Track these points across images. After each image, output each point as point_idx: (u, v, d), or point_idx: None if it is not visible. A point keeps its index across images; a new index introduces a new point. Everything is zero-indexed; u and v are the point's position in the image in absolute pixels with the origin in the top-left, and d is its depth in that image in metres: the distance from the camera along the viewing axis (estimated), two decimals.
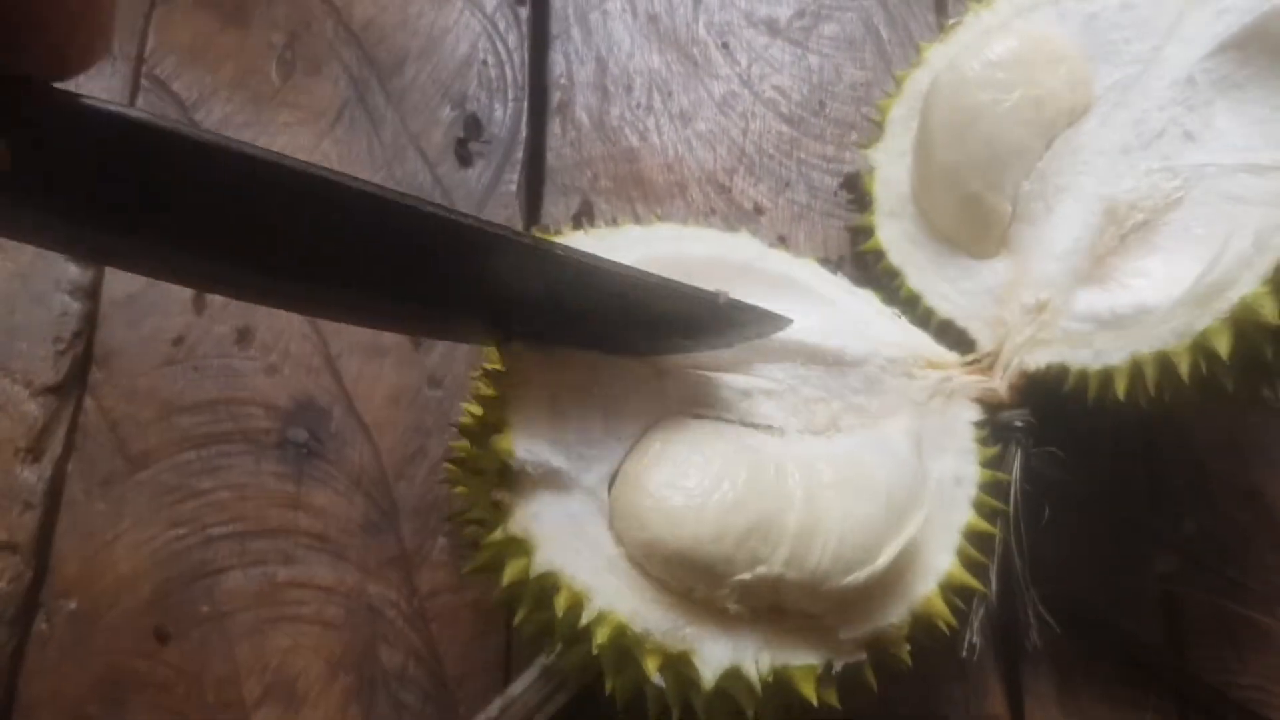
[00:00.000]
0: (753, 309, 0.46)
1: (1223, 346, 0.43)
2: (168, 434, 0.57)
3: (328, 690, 0.52)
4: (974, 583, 0.47)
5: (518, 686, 0.49)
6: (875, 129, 0.59)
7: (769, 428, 0.48)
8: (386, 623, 0.54)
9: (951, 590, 0.46)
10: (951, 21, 0.58)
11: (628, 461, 0.45)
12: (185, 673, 0.52)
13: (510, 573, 0.43)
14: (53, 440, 0.57)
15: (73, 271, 0.60)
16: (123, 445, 0.57)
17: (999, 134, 0.52)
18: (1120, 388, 0.47)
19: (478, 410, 0.46)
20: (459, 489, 0.48)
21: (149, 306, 0.59)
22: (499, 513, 0.43)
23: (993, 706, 0.53)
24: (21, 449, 0.56)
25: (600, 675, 0.44)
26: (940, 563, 0.46)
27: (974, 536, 0.48)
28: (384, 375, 0.59)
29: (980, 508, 0.48)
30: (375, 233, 0.37)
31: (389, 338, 0.59)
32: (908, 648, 0.45)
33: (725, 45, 0.68)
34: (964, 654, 0.48)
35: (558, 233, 0.51)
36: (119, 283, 0.60)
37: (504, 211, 0.63)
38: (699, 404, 0.47)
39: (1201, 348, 0.44)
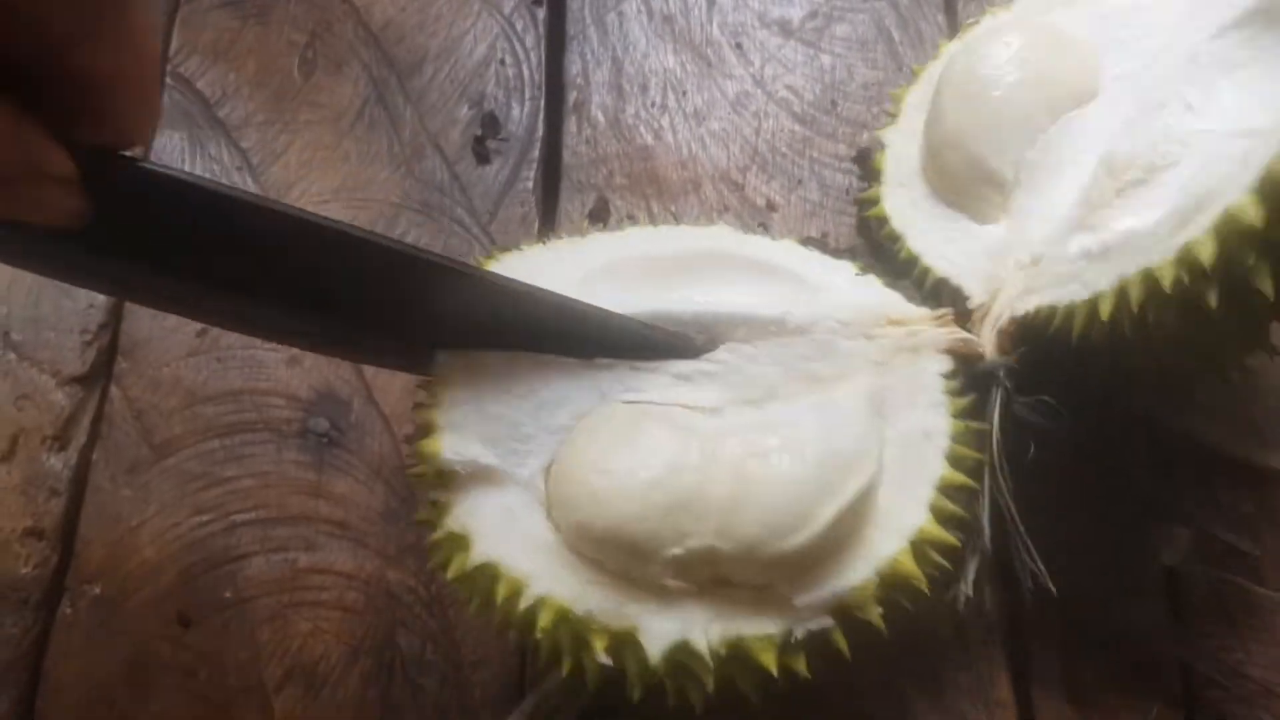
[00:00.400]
0: (678, 335, 0.48)
1: (1206, 256, 0.43)
2: (192, 423, 0.58)
3: (347, 674, 0.53)
4: (949, 538, 0.46)
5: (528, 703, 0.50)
6: (889, 118, 0.60)
7: (704, 408, 0.47)
8: (405, 608, 0.54)
9: (928, 546, 0.45)
10: (969, 21, 0.60)
11: (560, 451, 0.46)
12: (208, 656, 0.53)
13: (454, 568, 0.44)
14: (79, 429, 0.58)
15: None
16: (147, 434, 0.58)
17: (1006, 101, 0.54)
18: (1104, 311, 0.47)
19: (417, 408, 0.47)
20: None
21: None
22: (438, 511, 0.44)
23: (999, 693, 0.53)
24: (48, 437, 0.57)
25: (614, 682, 0.44)
26: (910, 519, 0.45)
27: (951, 490, 0.47)
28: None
29: (957, 460, 0.47)
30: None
31: None
32: (879, 610, 0.44)
33: (739, 46, 0.69)
34: (956, 604, 0.47)
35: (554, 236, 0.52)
36: None
37: (520, 208, 0.64)
38: (633, 391, 0.47)
39: (1185, 261, 0.44)
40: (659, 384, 0.48)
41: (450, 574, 0.44)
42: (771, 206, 0.64)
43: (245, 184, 0.63)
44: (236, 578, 0.55)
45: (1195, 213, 0.45)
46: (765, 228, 0.63)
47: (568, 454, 0.45)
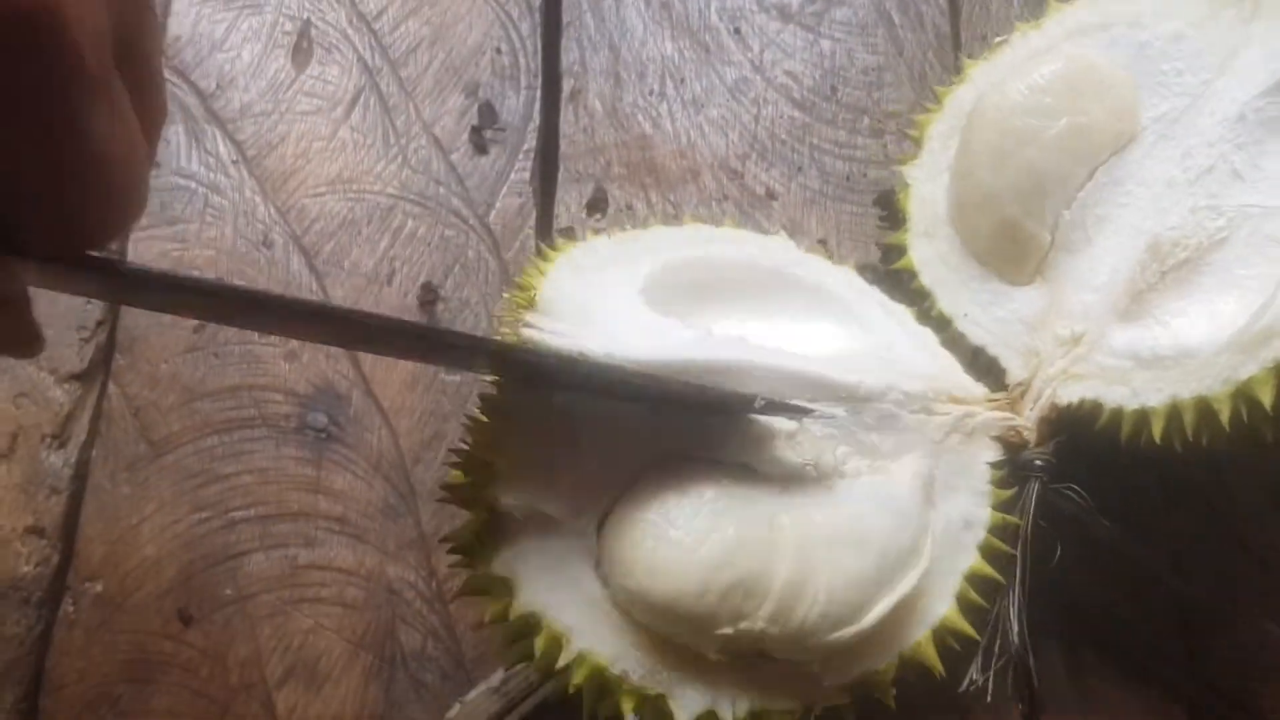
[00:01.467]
0: (781, 406, 0.46)
1: (1266, 396, 0.43)
2: (190, 419, 0.58)
3: (348, 670, 0.53)
4: (969, 629, 0.46)
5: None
6: (912, 144, 0.58)
7: (767, 475, 0.46)
8: (405, 604, 0.54)
9: (949, 634, 0.46)
10: (998, 40, 0.57)
11: (618, 506, 0.45)
12: (209, 653, 0.54)
13: (492, 611, 0.44)
14: (78, 426, 0.58)
15: None
16: (146, 431, 0.58)
17: (1042, 161, 0.51)
18: (1156, 430, 0.46)
19: (473, 434, 0.46)
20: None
21: None
22: (485, 548, 0.44)
23: None
24: (48, 435, 0.57)
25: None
26: (937, 609, 0.46)
27: (977, 580, 0.47)
28: (401, 361, 0.59)
29: (987, 551, 0.48)
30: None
31: None
32: (893, 691, 0.45)
33: (737, 31, 0.68)
34: (961, 689, 0.48)
35: (566, 233, 0.51)
36: None
37: (518, 199, 0.63)
38: (696, 445, 0.46)
39: (1244, 395, 0.44)
40: (721, 440, 0.46)
41: (489, 616, 0.44)
42: (771, 194, 0.64)
43: (242, 177, 0.63)
44: (237, 575, 0.55)
45: (1258, 346, 0.44)
46: (778, 227, 0.63)
47: (626, 513, 0.45)
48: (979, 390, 0.51)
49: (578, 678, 0.43)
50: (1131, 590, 0.54)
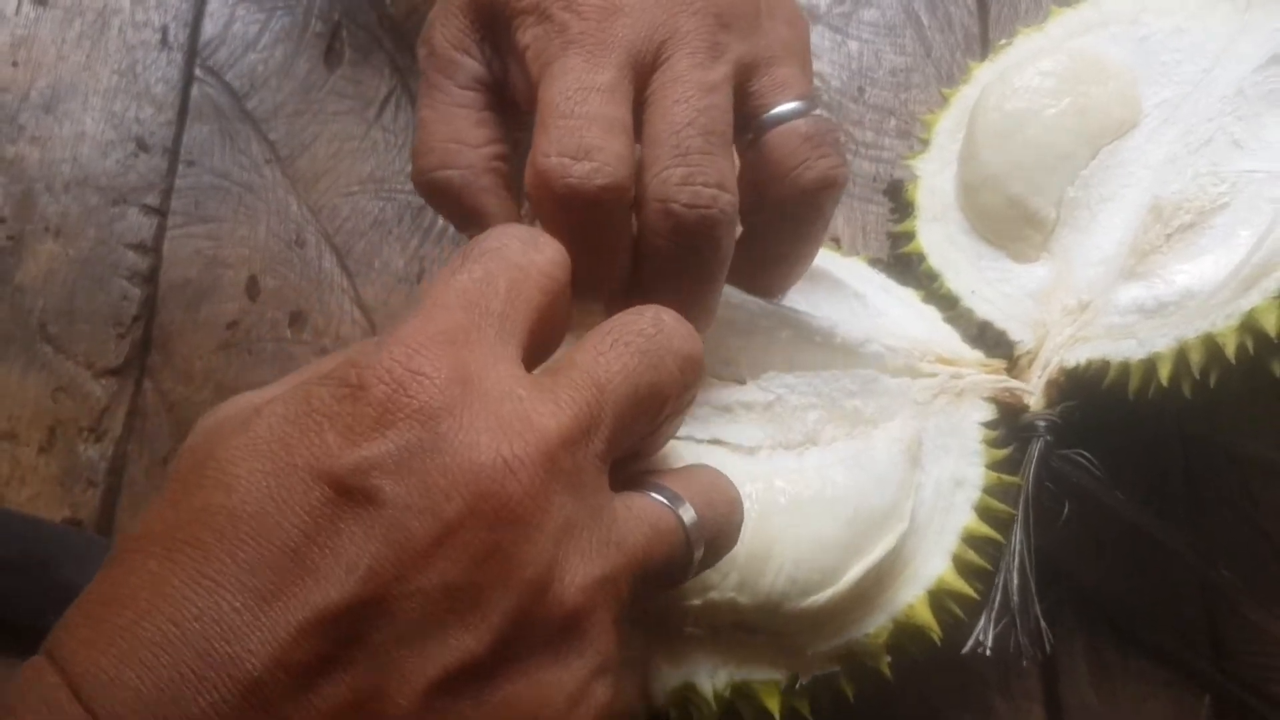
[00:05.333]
0: None
1: (1271, 325, 0.43)
2: None
3: None
4: (968, 590, 0.45)
5: None
6: (920, 143, 0.59)
7: (739, 446, 0.46)
8: None
9: (946, 596, 0.45)
10: (1002, 42, 0.58)
11: None
12: None
13: None
14: (114, 421, 0.59)
15: (131, 258, 0.62)
16: (180, 426, 0.59)
17: (1044, 139, 0.52)
18: (1164, 373, 0.46)
19: None
20: None
21: (205, 292, 0.61)
22: None
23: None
24: (85, 429, 0.58)
25: None
26: (931, 569, 0.45)
27: (976, 541, 0.46)
28: None
29: (984, 511, 0.47)
30: None
31: None
32: (887, 659, 0.44)
33: None
34: (964, 650, 0.47)
35: None
36: (176, 269, 0.62)
37: None
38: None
39: (1249, 327, 0.44)
40: (698, 416, 0.46)
41: None
42: None
43: (275, 176, 0.64)
44: None
45: (1258, 277, 0.44)
46: None
47: None
48: (973, 355, 0.51)
49: None
50: (1148, 569, 0.55)
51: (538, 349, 0.35)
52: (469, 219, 0.43)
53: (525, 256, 0.34)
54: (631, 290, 0.41)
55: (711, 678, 0.43)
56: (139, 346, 0.60)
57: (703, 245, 0.39)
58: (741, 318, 0.47)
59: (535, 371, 0.34)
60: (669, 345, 0.35)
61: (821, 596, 0.42)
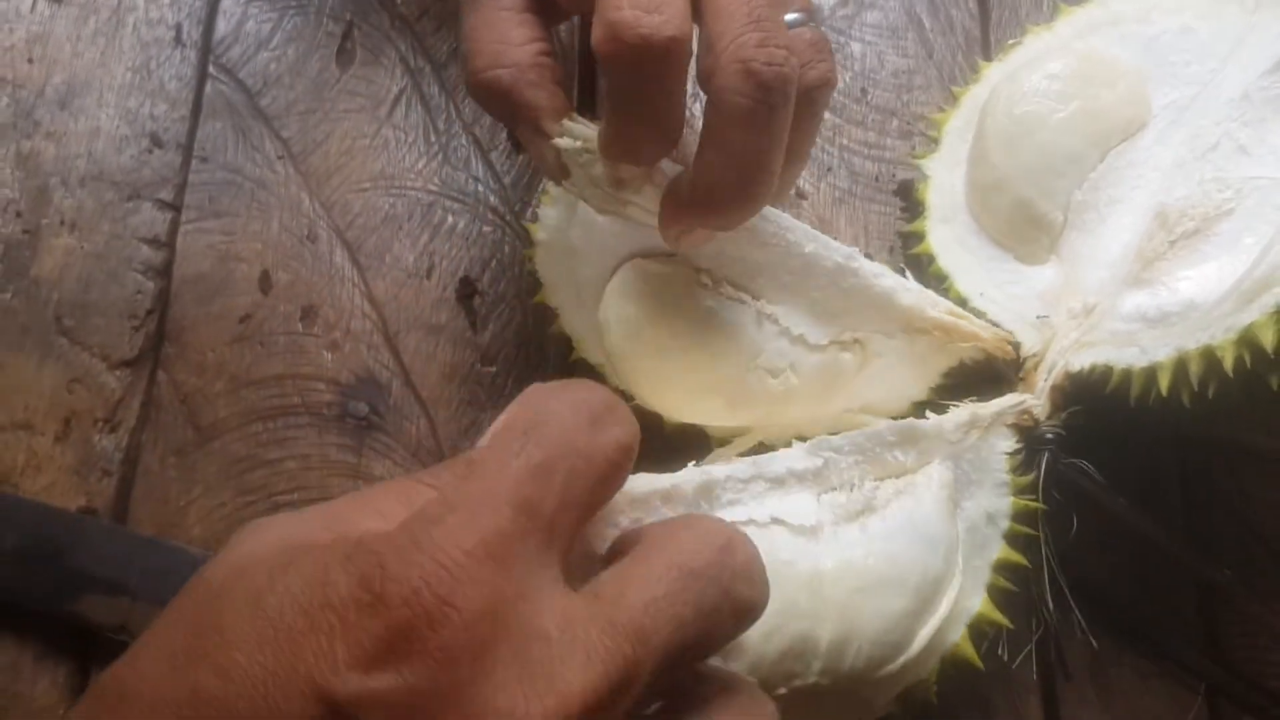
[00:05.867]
0: None
1: (1268, 340, 0.44)
2: (236, 406, 0.60)
3: None
4: (1002, 619, 0.48)
5: None
6: (930, 142, 0.60)
7: (801, 528, 0.46)
8: None
9: (984, 625, 0.48)
10: (1010, 42, 0.59)
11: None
12: None
13: None
14: (128, 412, 0.60)
15: (145, 252, 0.63)
16: (194, 417, 0.60)
17: (1053, 142, 0.53)
18: (1164, 383, 0.47)
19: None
20: None
21: (218, 286, 0.62)
22: None
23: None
24: (100, 419, 0.59)
25: None
26: (970, 605, 0.47)
27: (1005, 568, 0.49)
28: (439, 353, 0.61)
29: (1011, 537, 0.49)
30: None
31: (445, 316, 0.62)
32: (934, 688, 0.47)
33: None
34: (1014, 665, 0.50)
35: None
36: (189, 262, 0.63)
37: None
38: (728, 505, 0.46)
39: (1247, 342, 0.45)
40: (754, 493, 0.47)
41: None
42: (800, 194, 0.65)
43: (287, 173, 0.65)
44: None
45: (1259, 292, 0.45)
46: (823, 223, 0.64)
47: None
48: (979, 324, 0.52)
49: None
50: (1147, 568, 0.56)
51: (581, 532, 0.33)
52: (519, 114, 0.46)
53: (590, 440, 0.32)
54: (698, 171, 0.44)
55: None
56: (153, 339, 0.61)
57: (778, 101, 0.42)
58: (764, 228, 0.51)
59: (580, 583, 0.31)
60: (731, 588, 0.32)
61: (895, 665, 0.44)
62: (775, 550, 0.45)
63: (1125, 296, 0.51)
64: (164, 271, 0.63)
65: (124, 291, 0.62)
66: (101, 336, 0.61)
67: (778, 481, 0.47)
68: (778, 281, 0.53)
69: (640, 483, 0.45)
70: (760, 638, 0.42)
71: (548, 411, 0.32)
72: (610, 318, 0.52)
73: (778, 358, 0.51)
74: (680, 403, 0.53)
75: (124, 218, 0.64)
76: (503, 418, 0.34)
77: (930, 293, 0.53)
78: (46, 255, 0.62)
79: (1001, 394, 0.52)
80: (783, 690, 0.43)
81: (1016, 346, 0.53)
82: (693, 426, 0.54)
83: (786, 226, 0.52)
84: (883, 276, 0.52)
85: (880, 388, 0.54)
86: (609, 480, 0.33)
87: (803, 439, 0.49)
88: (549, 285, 0.56)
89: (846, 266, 0.52)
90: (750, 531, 0.44)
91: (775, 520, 0.46)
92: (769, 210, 0.52)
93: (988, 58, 0.67)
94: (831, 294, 0.53)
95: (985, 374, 0.54)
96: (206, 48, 0.68)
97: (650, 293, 0.51)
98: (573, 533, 0.31)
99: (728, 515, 0.46)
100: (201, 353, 0.61)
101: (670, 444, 0.54)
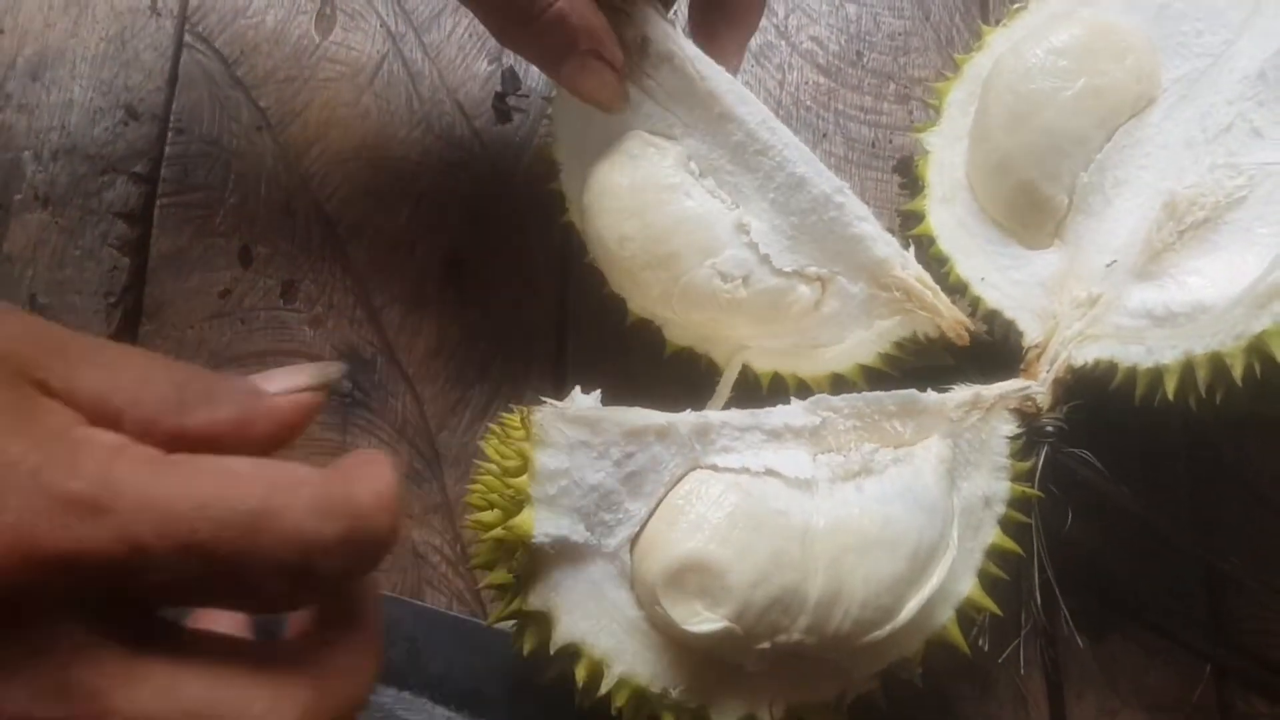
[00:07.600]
0: None
1: (1279, 350, 0.42)
2: None
3: None
4: (992, 605, 0.47)
5: None
6: (930, 111, 0.57)
7: (795, 480, 0.45)
8: (431, 567, 0.55)
9: (972, 610, 0.47)
10: (1016, 6, 0.57)
11: (649, 526, 0.45)
12: None
13: (530, 642, 0.45)
14: None
15: (120, 227, 0.61)
16: None
17: (1059, 123, 0.51)
18: (1170, 387, 0.46)
19: (496, 461, 0.46)
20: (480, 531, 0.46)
21: (196, 261, 0.60)
22: (519, 583, 0.44)
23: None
24: None
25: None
26: (960, 588, 0.47)
27: (997, 554, 0.48)
28: (425, 327, 0.60)
29: (1006, 525, 0.48)
30: None
31: (430, 290, 0.60)
32: (919, 670, 0.46)
33: None
34: (1000, 659, 0.49)
35: None
36: (166, 238, 0.61)
37: (543, 165, 0.63)
38: (724, 453, 0.46)
39: (1257, 350, 0.43)
40: (749, 443, 0.46)
41: (526, 647, 0.45)
42: None
43: (265, 143, 0.63)
44: None
45: (1271, 298, 0.43)
46: None
47: (658, 532, 0.44)
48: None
49: (620, 700, 0.44)
50: (1152, 554, 0.54)
51: None
52: (589, 39, 0.49)
53: None
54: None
55: (770, 706, 0.45)
56: (130, 316, 0.60)
57: None
58: (763, 135, 0.51)
59: None
60: (284, 522, 0.29)
61: (881, 633, 0.43)
62: (768, 499, 0.44)
63: (1132, 290, 0.49)
64: (140, 247, 0.61)
65: (100, 268, 0.60)
66: (77, 315, 0.59)
67: (774, 434, 0.47)
68: (763, 196, 0.52)
69: (636, 416, 0.45)
70: (748, 585, 0.42)
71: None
72: (595, 182, 0.52)
73: (734, 265, 0.50)
74: (635, 286, 0.53)
75: (99, 192, 0.62)
76: None
77: (907, 254, 0.52)
78: (19, 231, 0.61)
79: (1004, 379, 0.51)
80: (766, 645, 0.43)
81: (1019, 335, 0.52)
82: (689, 352, 0.54)
83: (785, 142, 0.51)
84: (865, 221, 0.51)
85: (831, 332, 0.53)
86: None
87: (753, 370, 0.50)
88: (559, 140, 0.56)
89: (832, 199, 0.51)
90: (744, 480, 0.45)
91: (770, 471, 0.45)
92: (773, 122, 0.51)
93: (986, 19, 0.66)
94: (811, 222, 0.52)
95: (940, 367, 0.53)
96: (183, 16, 0.66)
97: (640, 171, 0.51)
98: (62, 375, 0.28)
99: (722, 462, 0.46)
100: (180, 329, 0.59)
101: (669, 379, 0.53)
